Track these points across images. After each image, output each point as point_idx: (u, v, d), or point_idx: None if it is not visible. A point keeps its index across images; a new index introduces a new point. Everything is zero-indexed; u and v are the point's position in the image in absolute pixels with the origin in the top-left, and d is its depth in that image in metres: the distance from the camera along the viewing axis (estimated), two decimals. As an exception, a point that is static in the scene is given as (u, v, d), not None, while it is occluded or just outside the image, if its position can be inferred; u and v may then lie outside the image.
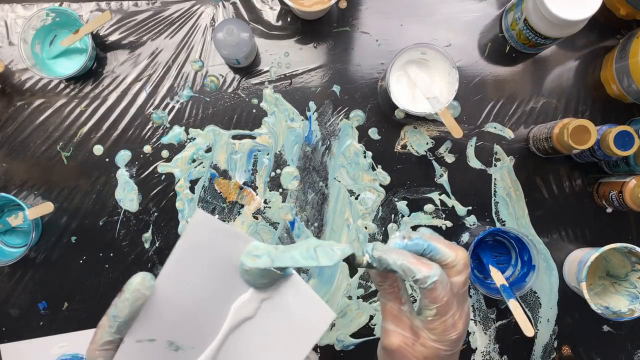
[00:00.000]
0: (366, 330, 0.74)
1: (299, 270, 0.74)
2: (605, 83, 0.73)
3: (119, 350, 0.42)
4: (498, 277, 0.69)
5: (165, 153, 0.74)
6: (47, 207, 0.69)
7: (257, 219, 0.74)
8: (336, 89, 0.75)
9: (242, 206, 0.74)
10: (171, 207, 0.74)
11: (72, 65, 0.74)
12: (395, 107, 0.73)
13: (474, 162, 0.74)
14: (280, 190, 0.74)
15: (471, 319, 0.74)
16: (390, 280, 0.47)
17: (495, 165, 0.74)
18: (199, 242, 0.43)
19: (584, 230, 0.74)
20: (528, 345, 0.74)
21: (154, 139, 0.74)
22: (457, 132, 0.67)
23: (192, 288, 0.44)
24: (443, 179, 0.74)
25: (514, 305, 0.66)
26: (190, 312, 0.44)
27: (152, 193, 0.74)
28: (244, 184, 0.74)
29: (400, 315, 0.47)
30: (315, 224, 0.74)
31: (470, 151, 0.74)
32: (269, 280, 0.44)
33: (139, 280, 0.40)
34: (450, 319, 0.44)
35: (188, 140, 0.74)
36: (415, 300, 0.73)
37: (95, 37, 0.75)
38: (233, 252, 0.44)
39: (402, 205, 0.74)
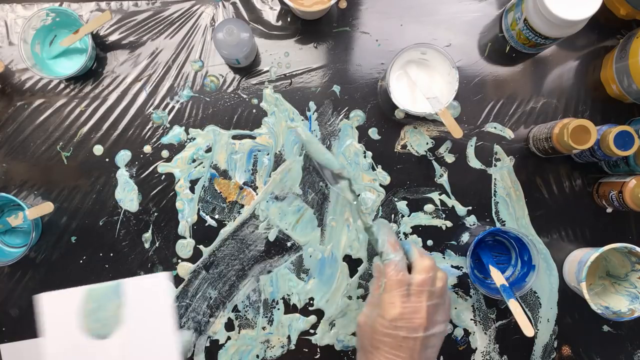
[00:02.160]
0: (366, 330, 0.74)
1: (299, 270, 0.74)
2: (605, 83, 0.73)
3: None
4: (498, 277, 0.69)
5: (165, 153, 0.74)
6: (47, 207, 0.69)
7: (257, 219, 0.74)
8: (336, 89, 0.75)
9: (242, 206, 0.74)
10: (171, 207, 0.74)
11: (72, 65, 0.74)
12: (395, 107, 0.73)
13: (474, 162, 0.74)
14: (280, 190, 0.74)
15: (471, 319, 0.74)
16: (380, 273, 0.58)
17: (495, 165, 0.74)
18: (54, 321, 0.55)
19: (584, 230, 0.74)
20: (528, 345, 0.74)
21: (154, 139, 0.74)
22: (457, 132, 0.67)
23: None
24: (443, 179, 0.74)
25: (514, 305, 0.66)
26: None
27: (152, 193, 0.74)
28: (244, 184, 0.74)
29: (374, 301, 0.58)
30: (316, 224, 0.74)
31: (470, 151, 0.74)
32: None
33: None
34: (399, 299, 0.55)
35: (188, 140, 0.74)
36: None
37: (95, 37, 0.75)
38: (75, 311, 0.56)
39: (402, 205, 0.74)
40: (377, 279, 0.59)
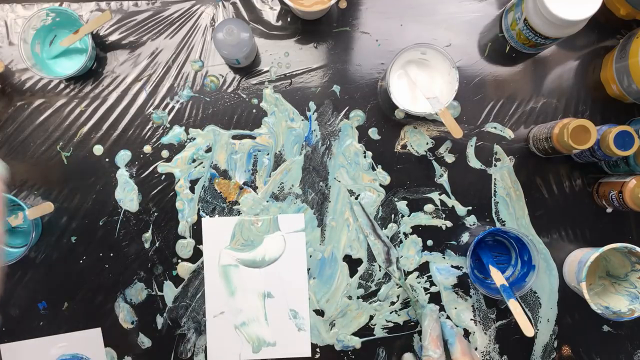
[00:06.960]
0: (366, 330, 0.74)
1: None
2: (605, 83, 0.73)
3: (207, 327, 0.71)
4: (498, 277, 0.69)
5: (165, 153, 0.74)
6: (47, 207, 0.69)
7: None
8: (336, 89, 0.75)
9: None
10: (171, 207, 0.74)
11: (72, 65, 0.74)
12: (395, 107, 0.73)
13: (474, 162, 0.74)
14: (280, 190, 0.74)
15: (471, 319, 0.74)
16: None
17: (495, 165, 0.74)
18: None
19: (584, 230, 0.74)
20: (528, 345, 0.74)
21: (154, 139, 0.74)
22: (457, 132, 0.67)
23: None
24: (443, 179, 0.74)
25: (514, 305, 0.66)
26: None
27: (152, 193, 0.74)
28: (244, 184, 0.74)
29: None
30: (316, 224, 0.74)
31: (470, 151, 0.74)
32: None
33: None
34: None
35: (188, 140, 0.74)
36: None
37: (95, 37, 0.75)
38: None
39: (402, 205, 0.74)
40: None
